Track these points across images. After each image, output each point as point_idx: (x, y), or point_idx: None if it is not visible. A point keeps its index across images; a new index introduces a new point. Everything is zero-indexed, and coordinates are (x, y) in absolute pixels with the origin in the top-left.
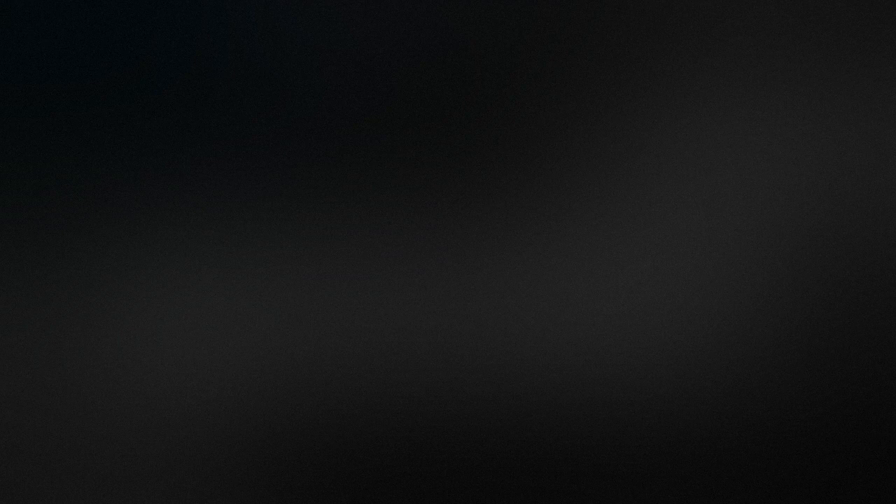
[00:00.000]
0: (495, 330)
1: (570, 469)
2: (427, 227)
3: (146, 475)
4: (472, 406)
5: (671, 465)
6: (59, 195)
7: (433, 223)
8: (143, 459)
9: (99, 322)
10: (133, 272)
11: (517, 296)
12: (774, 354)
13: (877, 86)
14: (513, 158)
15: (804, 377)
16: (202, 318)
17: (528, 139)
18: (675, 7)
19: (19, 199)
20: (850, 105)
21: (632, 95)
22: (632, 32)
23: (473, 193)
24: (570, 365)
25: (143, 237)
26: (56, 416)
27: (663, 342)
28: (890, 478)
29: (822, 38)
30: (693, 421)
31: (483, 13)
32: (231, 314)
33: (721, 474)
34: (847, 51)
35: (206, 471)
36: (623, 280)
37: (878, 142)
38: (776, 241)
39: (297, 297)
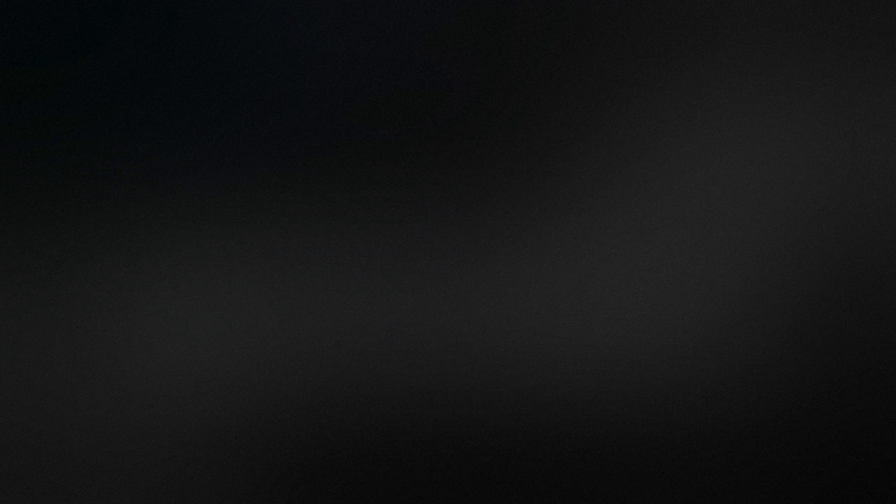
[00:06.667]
0: (496, 329)
1: (570, 469)
2: (427, 227)
3: (146, 475)
4: (473, 405)
5: (672, 464)
6: (60, 194)
7: (433, 223)
8: (142, 458)
9: (99, 322)
10: (133, 272)
11: (518, 296)
12: (775, 355)
13: (877, 86)
14: (514, 159)
15: (805, 377)
16: (202, 317)
17: (530, 139)
18: (676, 8)
19: (19, 199)
20: (851, 105)
21: (631, 96)
22: (633, 32)
23: (474, 193)
24: (570, 365)
25: (143, 237)
26: (56, 415)
27: (664, 342)
28: (890, 478)
29: (822, 39)
30: (694, 421)
31: (483, 14)
32: (231, 314)
33: (722, 474)
34: (847, 51)
35: (206, 470)
36: (624, 280)
37: (879, 142)
38: (777, 241)
39: (297, 296)
